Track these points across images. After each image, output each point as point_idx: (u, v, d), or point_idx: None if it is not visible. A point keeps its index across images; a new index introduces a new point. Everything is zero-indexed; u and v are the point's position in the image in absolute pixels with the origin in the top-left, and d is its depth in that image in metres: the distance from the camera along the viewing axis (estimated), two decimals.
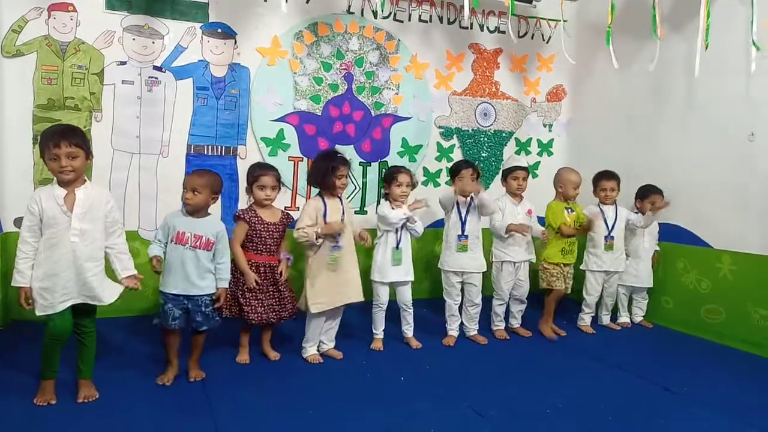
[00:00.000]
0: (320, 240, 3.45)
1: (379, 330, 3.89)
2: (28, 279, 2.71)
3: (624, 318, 4.63)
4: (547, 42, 5.49)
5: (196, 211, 3.15)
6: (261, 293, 3.43)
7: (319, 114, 4.75)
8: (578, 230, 4.26)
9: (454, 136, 5.27)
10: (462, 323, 4.11)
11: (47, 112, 4.00)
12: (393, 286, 3.89)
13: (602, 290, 4.50)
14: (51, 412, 2.72)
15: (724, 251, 4.21)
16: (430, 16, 5.09)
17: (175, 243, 3.10)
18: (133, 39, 4.19)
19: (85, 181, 2.82)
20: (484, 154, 5.36)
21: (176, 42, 4.31)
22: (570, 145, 5.64)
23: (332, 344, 3.70)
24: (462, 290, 4.07)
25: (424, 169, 5.13)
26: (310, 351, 3.57)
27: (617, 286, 4.55)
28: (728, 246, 4.18)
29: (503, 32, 5.29)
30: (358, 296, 3.63)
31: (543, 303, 4.30)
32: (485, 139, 5.38)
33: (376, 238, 3.90)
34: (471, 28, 5.24)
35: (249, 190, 3.53)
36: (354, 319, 4.05)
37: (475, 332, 4.10)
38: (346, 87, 4.83)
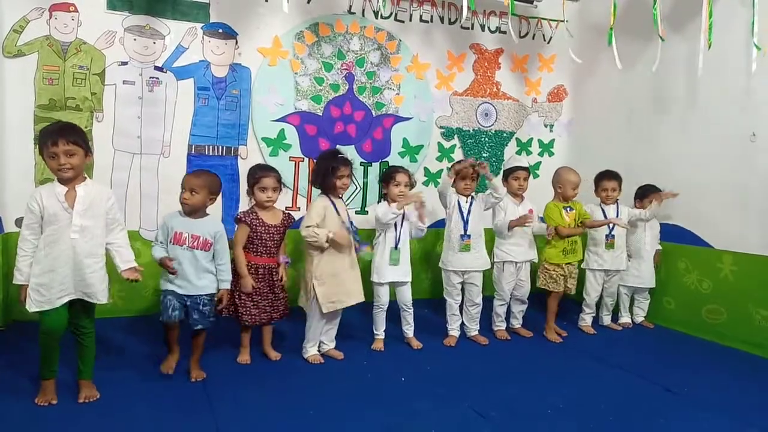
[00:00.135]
0: (327, 245, 3.44)
1: (379, 330, 3.89)
2: (28, 277, 2.73)
3: (625, 318, 4.62)
4: (548, 42, 5.49)
5: (193, 211, 3.15)
6: (257, 295, 3.44)
7: (320, 114, 4.75)
8: (579, 228, 4.24)
9: (455, 137, 5.26)
10: (463, 323, 4.11)
11: (48, 112, 4.00)
12: (392, 287, 3.89)
13: (603, 290, 4.50)
14: (52, 412, 2.72)
15: (725, 251, 4.20)
16: (431, 17, 5.09)
17: (173, 243, 3.11)
18: (134, 39, 4.20)
19: (86, 178, 2.84)
20: (485, 155, 5.36)
21: (177, 42, 4.31)
22: (571, 145, 5.63)
23: (333, 344, 3.70)
24: (462, 290, 4.07)
25: (425, 169, 5.13)
26: (311, 351, 3.57)
27: (619, 286, 4.55)
28: (729, 246, 4.18)
29: (504, 32, 5.28)
30: (362, 296, 3.65)
31: (544, 303, 4.30)
32: (486, 139, 5.38)
33: (375, 238, 3.90)
34: (472, 28, 5.23)
35: (250, 192, 3.53)
36: (354, 320, 4.05)
37: (476, 332, 4.10)
38: (347, 87, 4.83)
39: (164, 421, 2.71)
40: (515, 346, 4.08)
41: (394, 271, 3.83)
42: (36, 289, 2.72)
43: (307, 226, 3.46)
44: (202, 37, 4.37)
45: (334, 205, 3.57)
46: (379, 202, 4.84)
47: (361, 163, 4.84)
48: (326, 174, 3.55)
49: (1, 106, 3.85)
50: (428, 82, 5.12)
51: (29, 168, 3.98)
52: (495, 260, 4.20)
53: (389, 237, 3.82)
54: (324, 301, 3.48)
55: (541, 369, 3.62)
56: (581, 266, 4.44)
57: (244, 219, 3.44)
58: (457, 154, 5.21)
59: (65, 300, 2.74)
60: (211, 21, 4.38)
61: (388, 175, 3.90)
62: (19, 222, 3.78)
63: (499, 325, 4.24)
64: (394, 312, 3.92)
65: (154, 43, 4.25)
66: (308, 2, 4.64)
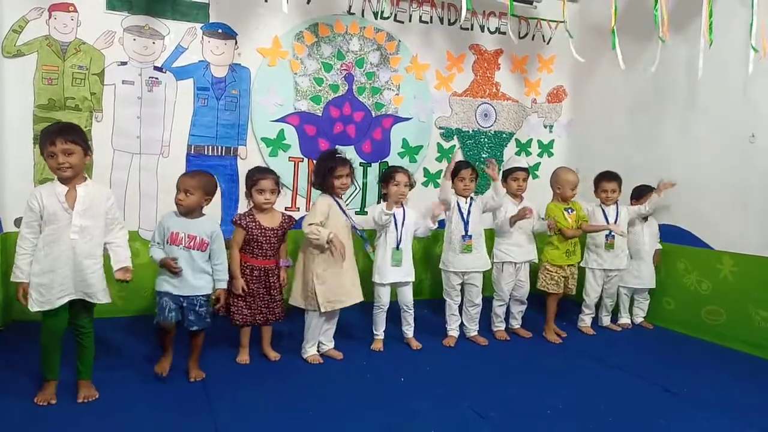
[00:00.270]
0: (327, 245, 3.43)
1: (379, 331, 3.88)
2: (27, 274, 2.73)
3: (624, 319, 4.62)
4: (548, 43, 5.50)
5: (189, 212, 3.14)
6: (250, 296, 3.43)
7: (320, 114, 4.75)
8: (580, 229, 4.25)
9: (455, 137, 5.27)
10: (462, 324, 4.11)
11: (48, 112, 4.00)
12: (394, 287, 3.89)
13: (603, 291, 4.49)
14: (51, 412, 2.72)
15: (724, 252, 4.20)
16: (431, 17, 5.10)
17: (170, 244, 3.10)
18: (134, 39, 4.20)
19: (86, 178, 2.84)
20: (484, 155, 5.36)
21: (177, 42, 4.31)
22: (570, 146, 5.64)
23: (331, 344, 3.70)
24: (462, 291, 4.07)
25: (425, 169, 5.13)
26: (310, 351, 3.57)
27: (619, 287, 4.55)
28: (729, 247, 4.18)
29: (504, 33, 5.29)
30: (361, 297, 3.64)
31: (543, 304, 4.30)
32: (485, 140, 5.38)
33: (376, 239, 3.89)
34: (471, 29, 5.24)
35: (248, 195, 3.52)
36: (354, 320, 4.05)
37: (476, 333, 4.10)
38: (346, 88, 4.84)
39: (163, 420, 2.70)
40: (514, 346, 4.08)
41: (397, 271, 3.82)
42: (37, 289, 2.72)
43: (310, 224, 3.44)
44: (202, 38, 4.37)
45: (339, 205, 3.57)
46: (378, 202, 4.85)
47: (360, 163, 4.84)
48: (325, 174, 3.55)
49: (0, 106, 3.85)
50: (428, 83, 5.12)
51: (28, 168, 3.98)
52: (494, 260, 4.20)
53: (390, 238, 3.81)
54: (323, 300, 3.47)
55: (541, 369, 3.62)
56: (581, 265, 4.43)
57: (239, 222, 3.44)
58: (457, 155, 5.21)
59: (65, 300, 2.74)
60: (210, 21, 4.38)
61: (387, 175, 3.89)
62: (18, 222, 3.77)
63: (499, 326, 4.24)
64: (393, 312, 3.92)
65: (154, 43, 4.26)
66: (308, 3, 4.64)
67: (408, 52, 5.02)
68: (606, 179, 4.41)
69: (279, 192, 3.54)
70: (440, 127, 5.20)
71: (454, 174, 4.01)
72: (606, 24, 4.43)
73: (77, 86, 4.08)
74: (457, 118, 5.26)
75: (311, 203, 4.39)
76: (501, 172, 4.28)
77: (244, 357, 3.49)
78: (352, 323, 4.04)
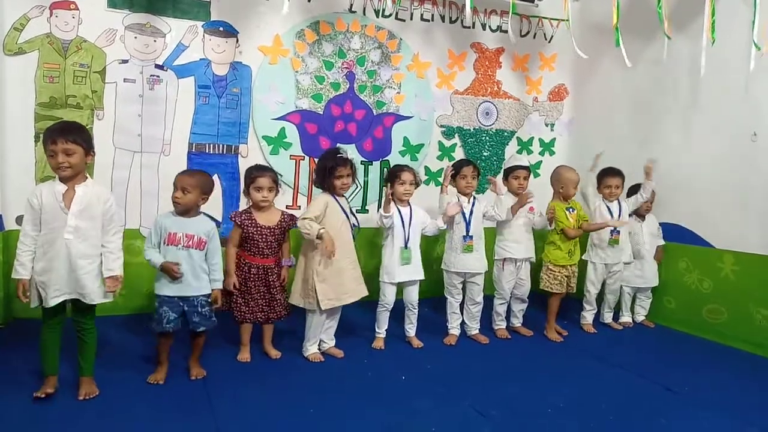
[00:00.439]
0: (318, 241, 3.42)
1: (381, 329, 3.88)
2: (29, 271, 2.74)
3: (626, 317, 4.62)
4: (549, 41, 5.49)
5: (186, 211, 3.13)
6: (248, 294, 3.44)
7: (321, 113, 4.75)
8: (582, 229, 4.25)
9: (456, 135, 5.26)
10: (463, 322, 4.11)
11: (49, 110, 4.00)
12: (400, 286, 3.88)
13: (605, 287, 4.49)
14: (51, 410, 2.72)
15: (726, 251, 4.20)
16: (432, 15, 5.09)
17: (168, 244, 3.07)
18: (135, 37, 4.19)
19: (87, 178, 2.83)
20: (485, 154, 5.36)
21: (178, 40, 4.31)
22: (572, 144, 5.63)
23: (332, 342, 3.70)
24: (463, 289, 4.07)
25: (426, 168, 5.12)
26: (311, 350, 3.57)
27: (621, 286, 4.55)
28: (730, 246, 4.17)
29: (505, 31, 5.27)
30: (362, 293, 3.63)
31: (544, 302, 4.29)
32: (487, 138, 5.37)
33: (383, 239, 3.89)
34: (473, 27, 5.23)
35: (246, 192, 3.52)
36: (355, 318, 4.05)
37: (477, 331, 4.10)
38: (347, 86, 4.83)
39: (164, 418, 2.71)
40: (516, 345, 4.08)
41: (406, 270, 3.82)
42: (37, 287, 2.73)
43: (304, 218, 3.45)
44: (203, 36, 4.37)
45: (339, 204, 3.57)
46: (380, 201, 4.86)
47: (361, 161, 4.83)
48: (326, 174, 3.55)
49: (1, 104, 3.86)
50: (429, 81, 5.11)
51: (30, 166, 3.98)
52: (495, 258, 4.19)
53: (397, 237, 3.80)
54: (323, 298, 3.47)
55: (542, 368, 3.62)
56: (582, 258, 4.43)
57: (234, 219, 3.45)
58: (458, 153, 5.21)
59: (60, 300, 2.74)
60: (211, 19, 4.38)
61: (393, 174, 3.89)
62: (19, 220, 3.78)
63: (500, 324, 4.24)
64: (395, 310, 3.92)
65: (155, 41, 4.25)
66: (309, 1, 4.64)
67: (409, 50, 5.02)
68: (610, 175, 4.40)
69: (278, 190, 3.54)
70: (441, 126, 5.20)
71: (456, 173, 4.01)
72: (607, 22, 4.42)
73: (78, 84, 4.08)
74: (459, 117, 5.25)
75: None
76: (502, 170, 4.28)
77: (245, 355, 3.49)
78: (354, 321, 4.04)
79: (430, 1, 5.06)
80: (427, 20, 5.07)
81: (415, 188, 3.90)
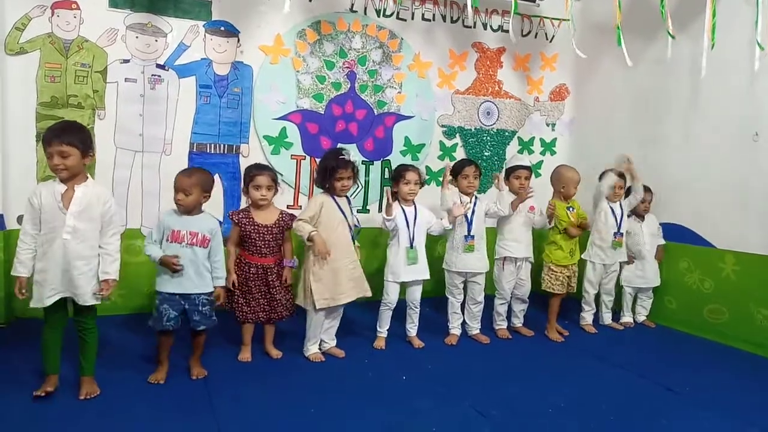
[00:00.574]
0: (309, 243, 3.43)
1: (383, 329, 3.88)
2: (28, 269, 2.75)
3: (627, 318, 4.62)
4: (551, 41, 5.48)
5: (189, 211, 3.14)
6: (249, 293, 3.44)
7: (322, 112, 4.75)
8: (581, 227, 4.25)
9: (457, 135, 5.26)
10: (464, 322, 4.11)
11: (50, 109, 4.01)
12: (404, 285, 3.88)
13: (600, 287, 4.49)
14: (52, 409, 2.72)
15: (727, 251, 4.20)
16: (433, 15, 5.09)
17: (171, 242, 3.07)
18: (137, 37, 4.20)
19: (87, 178, 2.83)
20: (486, 153, 5.36)
21: (179, 40, 4.31)
22: (573, 144, 5.63)
23: (333, 342, 3.70)
24: (464, 289, 4.07)
25: (427, 167, 5.10)
26: (312, 349, 3.57)
27: (623, 286, 4.55)
28: (731, 246, 4.17)
29: (506, 31, 5.26)
30: (360, 293, 3.60)
31: (545, 303, 4.29)
32: (488, 138, 5.37)
33: (389, 239, 3.89)
34: (474, 26, 5.23)
35: (245, 191, 3.52)
36: (356, 317, 4.06)
37: (478, 331, 4.10)
38: (348, 85, 4.83)
39: (165, 418, 2.71)
40: (516, 345, 4.08)
41: (412, 269, 3.82)
42: (35, 286, 2.75)
43: (299, 219, 3.48)
44: (204, 35, 4.37)
45: (337, 204, 3.56)
46: (381, 200, 4.86)
47: (362, 161, 4.83)
48: (326, 174, 3.55)
49: (3, 104, 3.86)
50: (430, 81, 5.11)
51: (31, 165, 3.98)
52: (495, 257, 4.19)
53: (402, 237, 3.80)
54: (318, 297, 3.47)
55: (543, 368, 3.62)
56: (582, 257, 4.43)
57: (232, 217, 3.47)
58: (459, 153, 5.21)
59: (55, 299, 2.74)
60: (213, 19, 4.38)
61: (398, 174, 3.89)
62: (21, 219, 3.78)
63: (501, 324, 4.24)
64: (396, 309, 3.91)
65: (156, 40, 4.26)
66: (310, 0, 4.63)
67: (410, 50, 5.02)
68: (615, 175, 4.39)
69: (277, 189, 3.54)
70: (443, 125, 5.20)
71: (457, 172, 4.01)
72: (608, 22, 4.42)
73: (80, 84, 4.08)
74: (460, 116, 5.25)
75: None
76: (504, 170, 4.28)
77: (246, 355, 3.49)
78: (355, 321, 4.05)
79: (431, 0, 5.06)
80: (429, 20, 5.07)
81: (420, 188, 3.90)
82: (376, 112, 4.94)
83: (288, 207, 4.46)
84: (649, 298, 4.64)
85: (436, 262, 4.22)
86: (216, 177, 4.36)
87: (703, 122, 4.38)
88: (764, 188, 3.97)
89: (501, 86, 5.38)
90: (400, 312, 3.93)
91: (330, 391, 3.10)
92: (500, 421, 2.82)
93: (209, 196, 3.21)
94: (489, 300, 4.18)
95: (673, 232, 4.56)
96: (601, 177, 4.46)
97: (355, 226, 3.70)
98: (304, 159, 4.71)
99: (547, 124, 5.61)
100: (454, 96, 5.22)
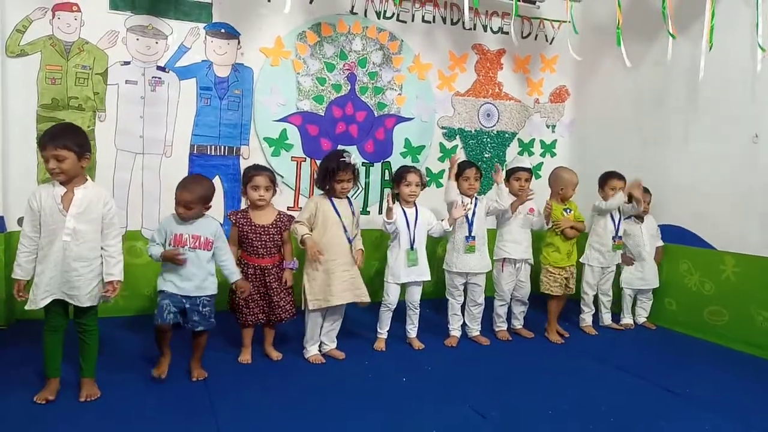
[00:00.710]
0: (302, 246, 3.45)
1: (383, 330, 3.88)
2: (27, 272, 2.76)
3: (627, 319, 4.62)
4: (551, 43, 5.49)
5: (191, 219, 3.14)
6: (248, 296, 3.43)
7: (322, 114, 4.76)
8: (577, 231, 4.25)
9: (457, 137, 5.27)
10: (465, 324, 4.11)
11: (51, 111, 4.02)
12: (404, 286, 3.88)
13: (597, 288, 4.49)
14: (52, 411, 2.72)
15: (727, 253, 4.20)
16: (434, 17, 5.09)
17: (174, 246, 3.07)
18: (137, 39, 4.21)
19: (87, 180, 2.83)
20: (487, 155, 5.37)
21: (180, 42, 4.32)
22: (573, 145, 5.63)
23: (334, 345, 3.69)
24: (465, 290, 4.07)
25: (427, 169, 5.12)
26: (312, 351, 3.57)
27: (622, 288, 4.55)
28: (732, 248, 4.17)
29: (506, 33, 5.29)
30: (354, 298, 3.56)
31: (545, 304, 4.29)
32: (488, 139, 5.38)
33: (389, 240, 3.90)
34: (474, 28, 5.24)
35: (244, 192, 3.53)
36: (357, 319, 4.06)
37: (478, 333, 4.10)
38: (349, 87, 4.84)
39: (165, 420, 2.71)
40: (516, 346, 4.07)
41: (413, 271, 3.82)
42: (32, 288, 2.75)
43: (296, 221, 3.51)
44: (205, 37, 4.38)
45: (334, 206, 3.57)
46: (381, 202, 4.86)
47: (363, 163, 4.83)
48: (326, 176, 3.56)
49: (3, 106, 3.87)
50: (430, 83, 5.12)
51: (32, 167, 3.99)
52: (495, 258, 4.19)
53: (403, 239, 3.80)
54: (311, 298, 3.49)
55: (543, 370, 3.61)
56: (580, 260, 4.44)
57: (231, 217, 3.49)
58: (459, 155, 5.20)
59: (47, 301, 2.74)
60: (213, 21, 4.39)
61: (399, 175, 3.89)
62: (21, 221, 3.78)
63: (501, 326, 4.23)
64: (396, 311, 3.91)
65: (157, 43, 4.26)
66: (311, 2, 4.65)
67: (410, 52, 5.02)
68: (615, 177, 4.40)
69: (275, 190, 3.54)
70: (443, 127, 5.20)
71: (458, 174, 4.01)
72: (608, 23, 4.43)
73: (80, 86, 4.09)
74: (460, 118, 5.25)
75: None
76: (504, 171, 4.29)
77: (246, 356, 3.49)
78: (355, 322, 4.05)
79: (432, 2, 5.06)
80: (429, 22, 5.08)
81: (422, 189, 3.91)
82: (376, 114, 4.94)
83: (288, 209, 4.46)
84: (648, 300, 4.64)
85: (437, 263, 4.23)
86: (216, 179, 4.41)
87: (703, 124, 4.39)
88: (764, 190, 3.97)
89: (501, 88, 5.38)
90: (400, 313, 3.93)
91: (330, 392, 3.10)
92: (500, 423, 2.82)
93: (211, 206, 3.21)
94: (489, 302, 4.18)
95: (673, 234, 4.56)
96: (601, 179, 4.46)
97: (344, 229, 3.60)
98: (305, 161, 4.71)
99: (548, 126, 5.61)
100: (455, 98, 5.22)
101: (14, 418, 2.65)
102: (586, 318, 4.48)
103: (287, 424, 2.72)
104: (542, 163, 5.54)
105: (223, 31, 4.42)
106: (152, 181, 4.31)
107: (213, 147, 4.45)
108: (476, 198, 4.05)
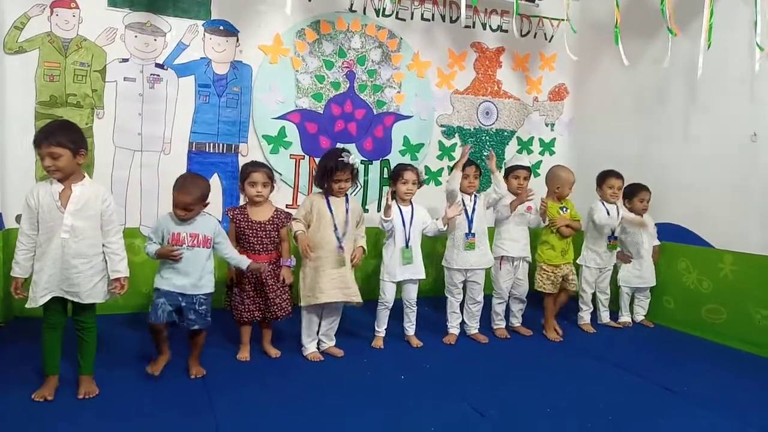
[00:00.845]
0: (295, 242, 3.49)
1: (381, 328, 3.88)
2: (25, 270, 2.76)
3: (625, 317, 4.62)
4: (550, 41, 5.49)
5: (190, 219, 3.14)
6: (243, 291, 3.44)
7: (321, 112, 4.75)
8: (573, 229, 4.25)
9: (456, 135, 5.26)
10: (463, 321, 4.11)
11: (49, 109, 4.01)
12: (400, 284, 3.89)
13: (595, 286, 4.50)
14: (51, 409, 2.72)
15: (725, 251, 4.20)
16: (433, 15, 5.09)
17: (171, 245, 3.07)
18: (135, 36, 4.20)
19: (84, 177, 2.83)
20: (486, 153, 5.35)
21: (178, 39, 4.31)
22: (572, 144, 5.63)
23: (332, 342, 3.70)
24: (464, 288, 4.07)
25: (426, 167, 5.12)
26: (310, 349, 3.57)
27: (620, 286, 4.56)
28: (730, 246, 4.17)
29: (505, 31, 5.29)
30: (344, 297, 3.53)
31: (543, 303, 4.30)
32: (487, 138, 5.38)
33: (384, 238, 3.89)
34: (473, 26, 5.23)
35: (241, 188, 3.53)
36: (355, 317, 4.06)
37: (476, 331, 4.10)
38: (348, 85, 4.83)
39: (164, 417, 2.71)
40: (515, 344, 4.08)
41: (408, 269, 3.82)
42: (32, 286, 2.75)
43: (294, 218, 3.55)
44: (203, 35, 4.37)
45: (329, 204, 3.56)
46: (380, 200, 4.86)
47: (361, 161, 4.81)
48: (324, 175, 3.56)
49: (2, 103, 3.86)
50: (429, 81, 5.12)
51: (30, 165, 3.98)
52: (493, 256, 4.19)
53: (398, 237, 3.80)
54: (303, 294, 3.52)
55: (541, 367, 3.62)
56: (577, 261, 4.44)
57: (228, 213, 3.51)
58: (458, 153, 5.20)
59: (47, 298, 2.74)
60: (212, 18, 4.39)
61: (396, 173, 3.89)
62: (19, 219, 3.77)
63: (499, 324, 4.24)
64: (395, 309, 3.92)
65: (155, 40, 4.26)
66: (309, 0, 4.64)
67: (409, 50, 5.02)
68: (614, 176, 4.39)
69: (273, 186, 3.54)
70: (442, 125, 5.20)
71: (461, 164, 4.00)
72: (607, 22, 4.42)
73: (79, 83, 4.08)
74: (459, 116, 5.25)
75: None
76: (503, 169, 4.29)
77: (244, 354, 3.49)
78: (354, 321, 4.04)
79: (431, 0, 5.06)
80: (428, 20, 5.07)
81: (419, 187, 3.90)
82: (375, 112, 4.94)
83: (287, 206, 4.45)
84: (646, 298, 4.65)
85: (436, 260, 4.23)
86: (215, 176, 4.40)
87: (702, 122, 4.39)
88: (763, 188, 3.97)
89: (500, 86, 5.38)
90: (398, 311, 3.93)
91: (328, 390, 3.10)
92: (498, 421, 2.82)
93: (209, 203, 3.20)
94: (487, 300, 4.18)
95: (671, 232, 4.57)
96: (599, 178, 4.46)
97: (336, 228, 3.57)
98: (303, 158, 4.71)
99: (546, 124, 5.61)
100: (453, 96, 5.22)
101: (13, 415, 2.65)
102: (585, 316, 4.48)
103: (286, 422, 2.72)
104: (541, 161, 5.54)
105: (221, 28, 4.41)
106: (151, 179, 4.31)
107: (211, 144, 4.45)
108: (476, 195, 4.05)
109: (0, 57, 3.86)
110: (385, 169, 4.93)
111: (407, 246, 3.81)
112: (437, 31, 5.11)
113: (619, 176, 4.40)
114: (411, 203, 3.89)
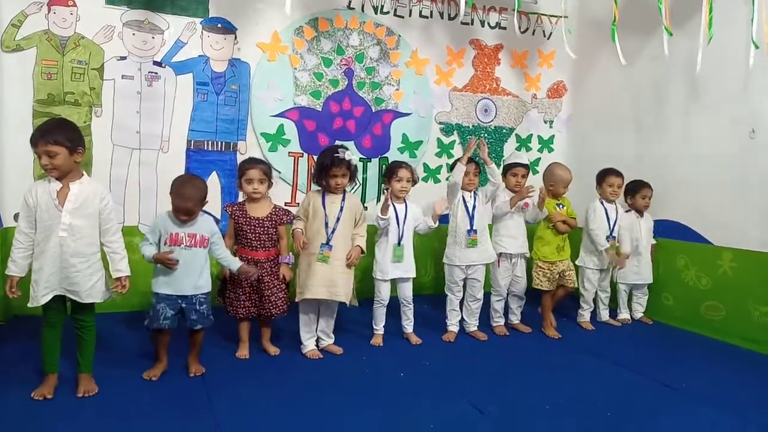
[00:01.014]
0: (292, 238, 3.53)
1: (379, 326, 3.88)
2: (21, 269, 2.75)
3: (624, 314, 4.63)
4: (548, 38, 5.48)
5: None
6: (239, 287, 3.43)
7: (320, 110, 4.75)
8: (569, 226, 4.25)
9: (455, 132, 5.26)
10: (462, 319, 4.11)
11: (47, 107, 4.00)
12: (394, 282, 3.89)
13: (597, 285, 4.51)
14: (50, 407, 2.72)
15: (724, 248, 4.20)
16: (431, 12, 5.08)
17: (170, 245, 3.05)
18: (133, 34, 4.19)
19: (83, 175, 2.82)
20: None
21: (176, 37, 4.31)
22: (570, 141, 5.63)
23: (331, 340, 3.69)
24: (464, 286, 4.07)
25: (425, 165, 5.12)
26: (309, 346, 3.57)
27: (618, 283, 4.56)
28: (729, 243, 4.18)
29: (504, 28, 5.28)
30: (331, 296, 3.51)
31: (541, 300, 4.30)
32: (486, 135, 5.37)
33: (377, 236, 3.89)
34: (472, 24, 5.22)
35: (239, 185, 3.54)
36: (354, 316, 4.06)
37: (475, 328, 4.10)
38: (346, 83, 4.83)
39: (163, 416, 2.70)
40: (514, 341, 4.08)
41: (398, 267, 3.82)
42: (32, 286, 2.73)
43: (295, 216, 3.58)
44: (201, 32, 4.36)
45: (324, 200, 3.56)
46: (379, 198, 4.86)
47: (360, 158, 4.83)
48: (320, 171, 3.56)
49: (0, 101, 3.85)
50: (428, 78, 5.11)
51: (28, 163, 3.96)
52: None
53: (391, 234, 3.80)
54: (297, 289, 3.55)
55: (540, 365, 3.62)
56: (576, 263, 4.44)
57: (227, 209, 3.52)
58: (457, 150, 5.21)
59: (48, 297, 2.73)
60: (210, 16, 4.38)
61: (390, 171, 3.89)
62: (17, 217, 3.76)
63: (498, 321, 4.24)
64: (393, 307, 3.92)
65: (153, 37, 4.25)
66: None
67: (408, 47, 5.01)
68: (614, 175, 4.40)
69: (270, 183, 3.54)
70: (440, 123, 5.20)
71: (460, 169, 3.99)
72: (606, 19, 4.42)
73: (76, 81, 4.07)
74: (457, 114, 5.25)
75: None
76: (502, 167, 4.29)
77: (243, 352, 3.49)
78: (352, 319, 4.04)
79: None
80: (426, 17, 5.07)
81: (413, 185, 3.90)
82: (373, 109, 4.93)
83: (286, 204, 4.45)
84: (644, 295, 4.65)
85: (436, 257, 4.22)
86: (213, 174, 4.40)
87: (700, 119, 4.39)
88: (761, 185, 3.97)
89: (499, 83, 5.38)
90: (397, 308, 3.93)
91: (328, 387, 3.10)
92: (498, 418, 2.82)
93: (207, 201, 3.20)
94: (486, 297, 4.18)
95: (670, 229, 4.57)
96: (599, 176, 4.46)
97: (327, 241, 3.54)
98: (302, 156, 4.71)
99: (545, 121, 5.61)
100: (452, 93, 5.21)
101: (12, 414, 2.64)
102: (584, 314, 4.48)
103: (285, 420, 2.72)
104: (539, 158, 5.53)
105: (219, 26, 4.41)
106: (149, 177, 4.30)
107: (210, 142, 4.44)
108: (476, 192, 4.05)
109: None
110: (384, 166, 4.91)
111: (399, 244, 3.80)
112: (436, 28, 5.10)
113: (618, 174, 4.40)
114: (405, 201, 3.88)
